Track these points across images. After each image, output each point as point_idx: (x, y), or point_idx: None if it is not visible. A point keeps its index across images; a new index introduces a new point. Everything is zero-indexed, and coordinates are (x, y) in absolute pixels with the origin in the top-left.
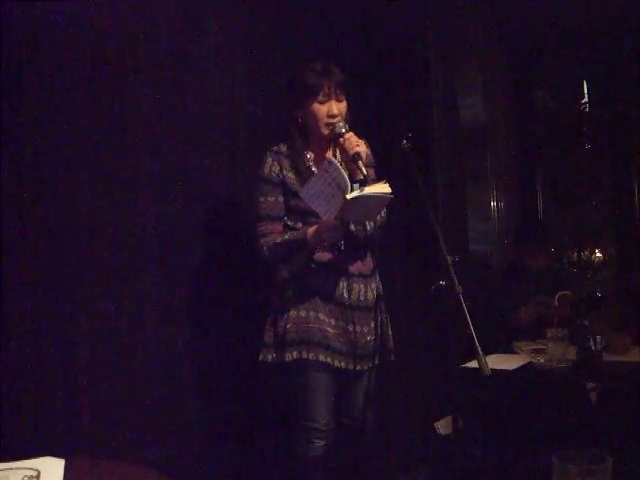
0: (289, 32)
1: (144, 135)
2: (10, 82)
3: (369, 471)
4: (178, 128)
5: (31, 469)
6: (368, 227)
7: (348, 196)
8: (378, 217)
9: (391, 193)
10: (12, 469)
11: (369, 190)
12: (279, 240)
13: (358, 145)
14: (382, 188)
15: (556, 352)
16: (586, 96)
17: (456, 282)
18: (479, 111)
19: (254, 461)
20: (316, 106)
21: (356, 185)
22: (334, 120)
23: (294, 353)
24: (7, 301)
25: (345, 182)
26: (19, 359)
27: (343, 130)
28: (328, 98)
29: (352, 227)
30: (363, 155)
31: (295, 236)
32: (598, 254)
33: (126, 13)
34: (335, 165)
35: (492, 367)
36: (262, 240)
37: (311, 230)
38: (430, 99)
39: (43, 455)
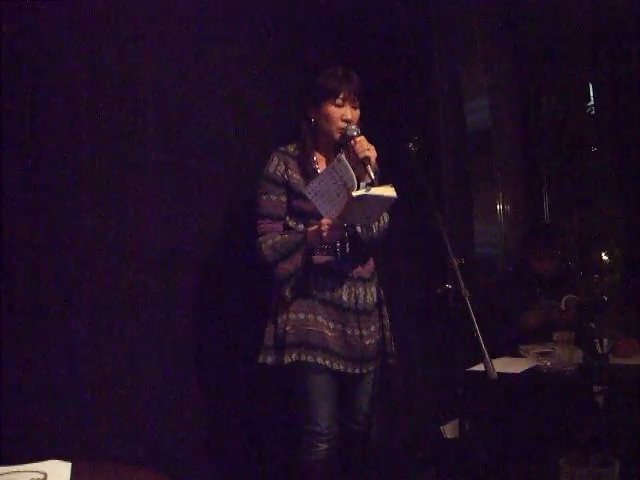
0: (294, 35)
1: (146, 131)
2: (11, 83)
3: (374, 475)
4: (180, 126)
5: (38, 472)
6: (374, 230)
7: (354, 193)
8: (382, 222)
9: (396, 197)
10: (19, 472)
11: (375, 191)
12: (277, 239)
13: (369, 150)
14: (388, 191)
15: (563, 355)
16: (592, 99)
17: (462, 285)
18: (485, 114)
19: (257, 465)
20: (332, 108)
21: (362, 184)
22: (347, 125)
23: (293, 355)
24: (7, 301)
25: (352, 180)
26: (25, 362)
27: (355, 133)
28: (345, 103)
29: (359, 229)
30: (372, 160)
31: (294, 235)
32: (605, 257)
33: (128, 14)
34: (344, 163)
35: (498, 370)
36: (260, 238)
37: (311, 229)
38: (436, 102)
39: (50, 458)
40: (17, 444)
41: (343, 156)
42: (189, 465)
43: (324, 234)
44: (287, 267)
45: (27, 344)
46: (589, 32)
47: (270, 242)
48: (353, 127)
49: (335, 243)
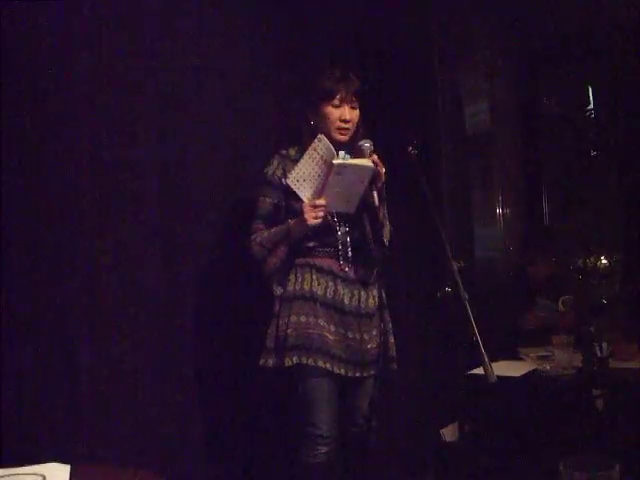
0: (295, 37)
1: (145, 132)
2: (11, 82)
3: (374, 478)
4: (180, 127)
5: (37, 474)
6: (385, 242)
7: (335, 161)
8: (386, 230)
9: (373, 167)
10: (18, 474)
11: (354, 160)
12: (264, 234)
13: (382, 168)
14: (366, 162)
15: (562, 359)
16: (592, 102)
17: (462, 288)
18: (484, 117)
19: (258, 467)
20: (330, 109)
21: (342, 153)
22: (346, 125)
23: (294, 358)
24: (7, 301)
25: (332, 154)
26: (24, 364)
27: (368, 152)
28: (342, 103)
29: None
30: (382, 177)
31: (278, 229)
32: (604, 260)
33: (128, 14)
34: (324, 141)
35: (498, 374)
36: (252, 237)
37: (295, 219)
38: (435, 105)
39: (49, 461)
40: (16, 446)
41: (323, 135)
42: (189, 468)
43: (305, 215)
44: (273, 260)
45: (27, 345)
46: (589, 32)
47: (258, 239)
48: (367, 144)
49: (337, 245)
